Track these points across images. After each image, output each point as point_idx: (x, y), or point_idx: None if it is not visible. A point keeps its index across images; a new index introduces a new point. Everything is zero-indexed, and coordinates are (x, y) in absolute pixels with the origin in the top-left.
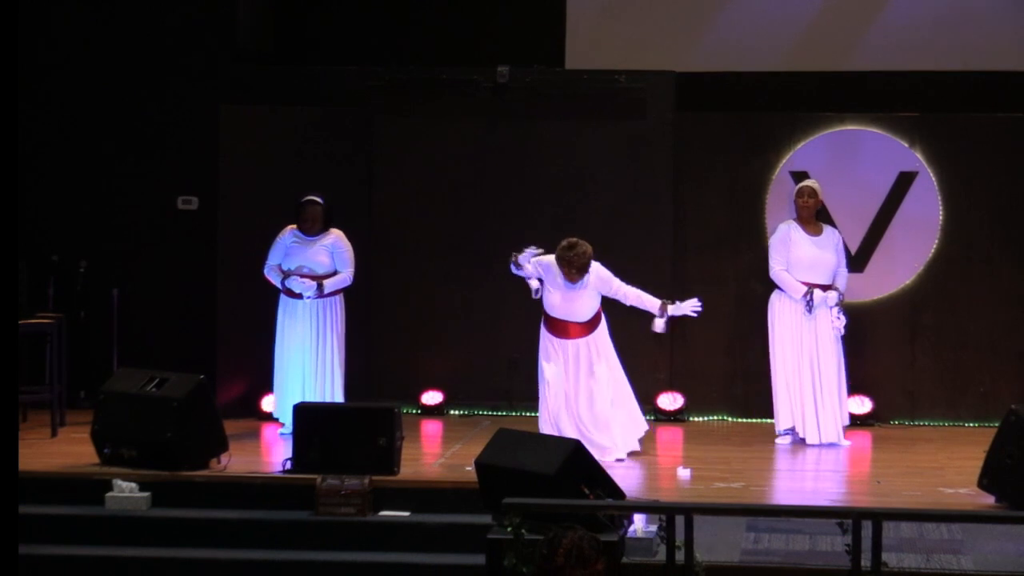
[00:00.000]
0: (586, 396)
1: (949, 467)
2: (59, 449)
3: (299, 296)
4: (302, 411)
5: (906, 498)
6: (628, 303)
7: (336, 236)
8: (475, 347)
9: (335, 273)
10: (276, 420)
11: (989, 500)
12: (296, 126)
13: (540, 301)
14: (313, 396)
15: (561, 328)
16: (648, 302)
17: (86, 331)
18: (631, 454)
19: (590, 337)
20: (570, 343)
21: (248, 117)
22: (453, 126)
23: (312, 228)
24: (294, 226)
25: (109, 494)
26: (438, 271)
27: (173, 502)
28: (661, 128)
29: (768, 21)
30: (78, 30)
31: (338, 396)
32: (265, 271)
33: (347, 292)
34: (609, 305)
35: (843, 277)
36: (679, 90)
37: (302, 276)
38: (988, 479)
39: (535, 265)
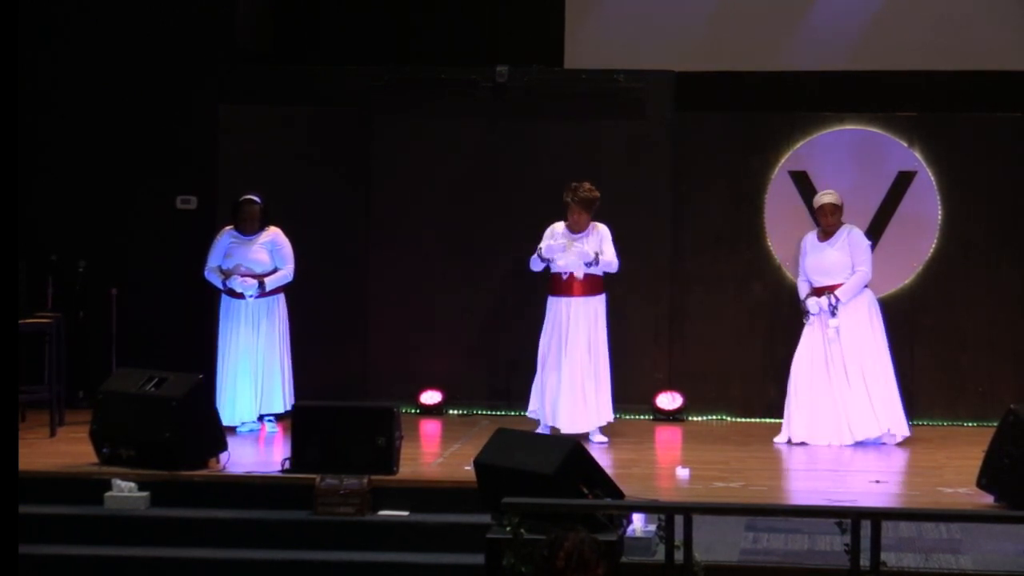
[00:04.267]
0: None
1: (948, 467)
2: (58, 449)
3: (241, 296)
4: (302, 411)
5: (905, 498)
6: (601, 264)
7: (274, 233)
8: (474, 347)
9: (275, 271)
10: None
11: (988, 500)
12: (296, 126)
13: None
14: (262, 398)
15: (562, 285)
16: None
17: (85, 331)
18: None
19: (588, 301)
20: (564, 301)
21: (248, 117)
22: (452, 126)
23: (250, 227)
24: (231, 227)
25: (108, 494)
26: (438, 271)
27: (172, 502)
28: (660, 127)
29: (767, 21)
30: (78, 30)
31: (288, 398)
32: (205, 273)
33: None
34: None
35: (853, 279)
36: (678, 89)
37: (242, 276)
38: (987, 479)
39: (549, 234)
